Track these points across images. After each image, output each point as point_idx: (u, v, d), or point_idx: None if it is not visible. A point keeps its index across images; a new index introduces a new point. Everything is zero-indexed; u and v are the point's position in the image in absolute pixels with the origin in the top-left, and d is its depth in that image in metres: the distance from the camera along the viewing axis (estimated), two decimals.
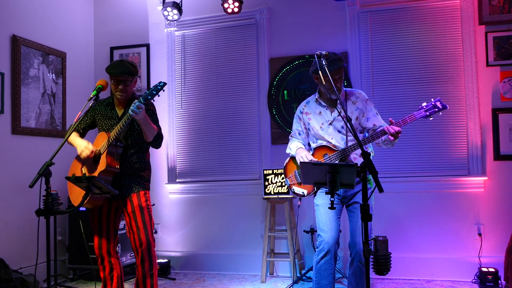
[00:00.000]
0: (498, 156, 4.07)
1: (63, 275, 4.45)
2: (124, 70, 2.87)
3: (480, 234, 4.05)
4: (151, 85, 5.02)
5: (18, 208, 4.08)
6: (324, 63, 2.53)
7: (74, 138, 2.96)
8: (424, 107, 2.73)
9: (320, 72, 2.61)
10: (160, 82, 2.74)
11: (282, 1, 4.70)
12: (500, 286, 3.75)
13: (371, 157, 2.94)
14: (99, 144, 2.90)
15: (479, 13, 4.13)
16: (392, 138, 2.67)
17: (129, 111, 2.69)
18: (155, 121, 3.01)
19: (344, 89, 2.99)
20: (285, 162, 3.14)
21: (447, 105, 2.74)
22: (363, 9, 4.45)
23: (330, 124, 2.92)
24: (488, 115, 4.11)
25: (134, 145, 2.96)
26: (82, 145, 2.86)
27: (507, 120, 4.06)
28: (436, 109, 2.70)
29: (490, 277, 3.73)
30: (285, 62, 4.62)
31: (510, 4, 4.08)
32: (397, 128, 2.66)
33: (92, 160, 2.92)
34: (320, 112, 2.97)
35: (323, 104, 2.96)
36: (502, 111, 4.07)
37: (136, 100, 2.72)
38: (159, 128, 2.99)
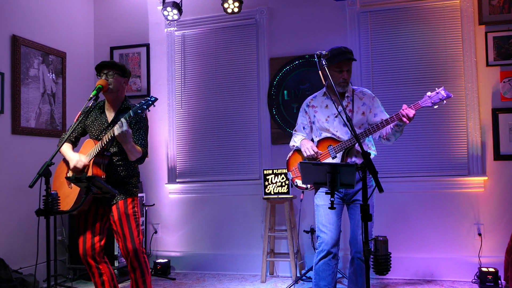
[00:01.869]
0: (498, 156, 4.07)
1: (63, 275, 4.45)
2: (108, 63, 2.87)
3: (480, 234, 4.05)
4: (151, 85, 5.03)
5: (18, 208, 4.08)
6: (324, 63, 2.53)
7: (67, 150, 2.90)
8: (429, 95, 2.72)
9: (320, 72, 2.61)
10: (152, 97, 2.68)
11: (282, 1, 4.70)
12: (500, 286, 3.75)
13: (372, 157, 2.94)
14: (86, 151, 2.85)
15: (479, 13, 4.13)
16: (406, 120, 2.64)
17: (115, 129, 2.65)
18: (143, 135, 2.92)
19: (351, 86, 2.99)
20: (288, 155, 3.11)
21: (451, 94, 2.74)
22: (363, 9, 4.45)
23: (336, 117, 2.91)
24: (488, 115, 4.12)
25: (121, 153, 2.89)
26: (75, 159, 2.79)
27: (507, 120, 4.06)
28: (441, 98, 2.70)
29: (490, 277, 3.73)
30: (285, 62, 4.62)
31: (510, 4, 4.08)
32: (413, 111, 2.64)
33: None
34: (327, 105, 2.97)
35: (331, 97, 2.94)
36: (502, 111, 4.07)
37: (122, 119, 2.65)
38: (145, 147, 2.90)
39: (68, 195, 2.80)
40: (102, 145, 2.74)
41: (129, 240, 2.83)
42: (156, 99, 2.69)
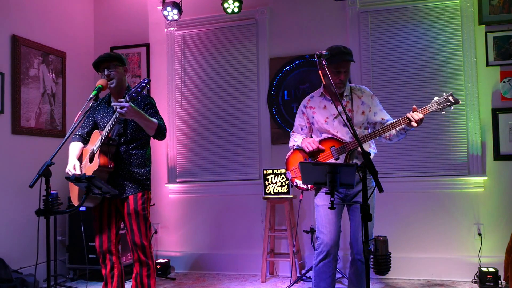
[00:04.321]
0: (498, 156, 4.07)
1: (63, 275, 4.46)
2: (104, 56, 2.90)
3: (480, 234, 4.05)
4: (151, 85, 5.03)
5: (18, 208, 4.08)
6: (324, 63, 2.53)
7: (71, 152, 2.94)
8: (437, 100, 2.70)
9: (320, 72, 2.61)
10: (145, 79, 2.68)
11: (282, 1, 4.70)
12: (500, 286, 3.75)
13: (372, 156, 2.93)
14: (94, 143, 2.89)
15: (479, 13, 4.13)
16: (416, 125, 2.63)
17: (116, 112, 2.67)
18: (156, 112, 2.94)
19: (349, 84, 2.97)
20: (288, 154, 3.05)
21: (459, 100, 2.72)
22: (363, 9, 4.45)
23: (336, 118, 2.87)
24: (488, 115, 4.12)
25: (131, 142, 2.92)
26: (70, 164, 2.85)
27: (507, 120, 4.06)
28: (449, 103, 2.68)
29: (490, 277, 3.73)
30: (285, 62, 4.62)
31: (510, 4, 4.08)
32: (421, 115, 2.62)
33: (88, 160, 2.92)
34: (325, 106, 2.93)
35: (328, 98, 2.91)
36: (502, 111, 4.07)
37: (121, 99, 2.68)
38: (161, 120, 2.90)
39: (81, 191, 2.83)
40: (106, 133, 2.76)
41: (137, 236, 2.87)
42: (149, 80, 2.67)
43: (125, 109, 2.58)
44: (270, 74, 4.67)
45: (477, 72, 4.14)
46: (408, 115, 2.65)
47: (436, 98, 2.71)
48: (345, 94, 2.91)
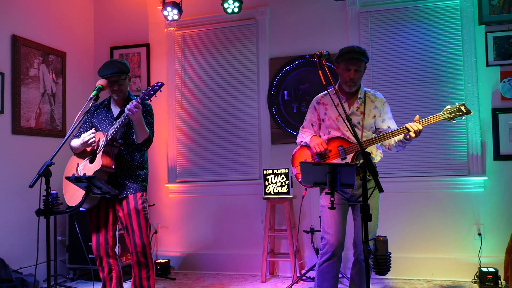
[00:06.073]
0: (498, 156, 4.07)
1: (63, 275, 4.46)
2: (114, 70, 2.88)
3: (480, 234, 4.05)
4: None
5: (18, 208, 4.08)
6: (324, 63, 2.52)
7: (77, 140, 2.96)
8: (449, 109, 2.68)
9: (320, 72, 2.61)
10: (158, 82, 2.73)
11: (282, 1, 4.70)
12: (500, 286, 3.75)
13: (379, 160, 2.93)
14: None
15: (479, 13, 4.13)
16: (413, 135, 2.63)
17: (126, 109, 2.70)
18: (150, 123, 2.99)
19: (364, 88, 2.95)
20: (294, 150, 3.04)
21: (472, 111, 2.71)
22: (363, 9, 4.45)
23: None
24: (488, 115, 4.12)
25: (132, 143, 2.95)
26: (87, 134, 2.86)
27: (507, 120, 4.06)
28: (460, 113, 2.66)
29: (490, 277, 3.73)
30: (285, 62, 4.62)
31: (510, 4, 4.08)
32: (420, 127, 2.63)
33: (88, 160, 2.93)
34: (338, 104, 2.91)
35: (342, 96, 2.90)
36: (502, 111, 4.07)
37: (133, 100, 2.73)
38: (152, 132, 2.97)
39: (77, 190, 2.83)
40: (111, 134, 2.78)
41: (138, 235, 2.88)
42: (162, 84, 2.72)
43: (136, 110, 2.66)
44: (270, 74, 4.67)
45: (477, 72, 4.14)
46: (407, 125, 2.66)
47: (448, 107, 2.70)
48: (359, 96, 2.89)
